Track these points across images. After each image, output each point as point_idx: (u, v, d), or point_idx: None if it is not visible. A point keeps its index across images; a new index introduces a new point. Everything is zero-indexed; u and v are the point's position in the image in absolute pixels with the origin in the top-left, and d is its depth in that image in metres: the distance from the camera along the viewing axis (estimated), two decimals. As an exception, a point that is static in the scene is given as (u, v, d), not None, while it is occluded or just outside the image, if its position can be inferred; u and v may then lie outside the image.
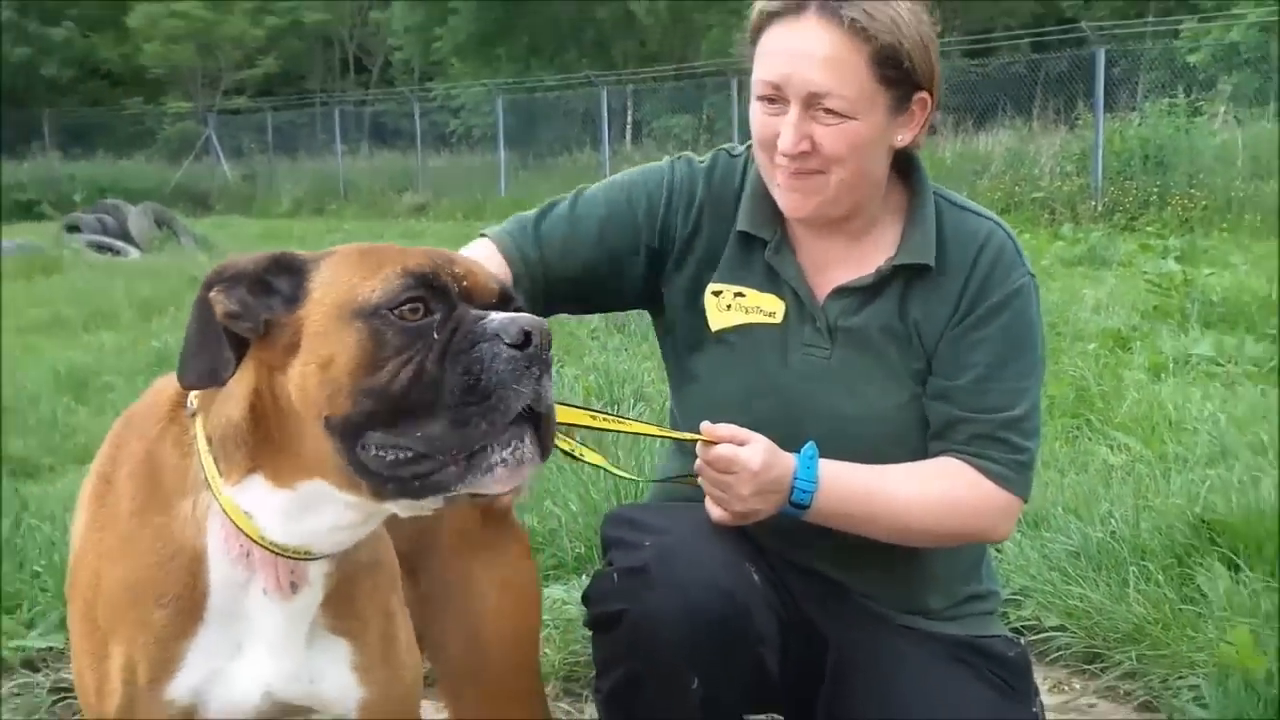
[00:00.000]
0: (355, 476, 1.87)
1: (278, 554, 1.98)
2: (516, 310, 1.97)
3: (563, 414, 2.47)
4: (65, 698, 3.96)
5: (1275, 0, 26.69)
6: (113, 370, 8.72)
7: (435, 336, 1.86)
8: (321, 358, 1.86)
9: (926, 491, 2.69)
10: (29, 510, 5.23)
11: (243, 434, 1.92)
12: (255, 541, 1.96)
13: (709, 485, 2.59)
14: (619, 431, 2.67)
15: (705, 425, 2.57)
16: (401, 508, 1.93)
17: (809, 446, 2.60)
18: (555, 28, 41.73)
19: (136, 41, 46.34)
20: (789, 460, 2.57)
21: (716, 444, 2.55)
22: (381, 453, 1.84)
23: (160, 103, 47.00)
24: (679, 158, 2.95)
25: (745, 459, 2.52)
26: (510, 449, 1.86)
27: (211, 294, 1.90)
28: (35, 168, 38.33)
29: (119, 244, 21.00)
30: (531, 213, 2.87)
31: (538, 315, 2.53)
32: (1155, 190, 19.71)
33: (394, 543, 2.34)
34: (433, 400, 1.83)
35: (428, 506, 1.93)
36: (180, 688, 2.05)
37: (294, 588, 2.03)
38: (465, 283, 1.94)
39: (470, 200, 28.19)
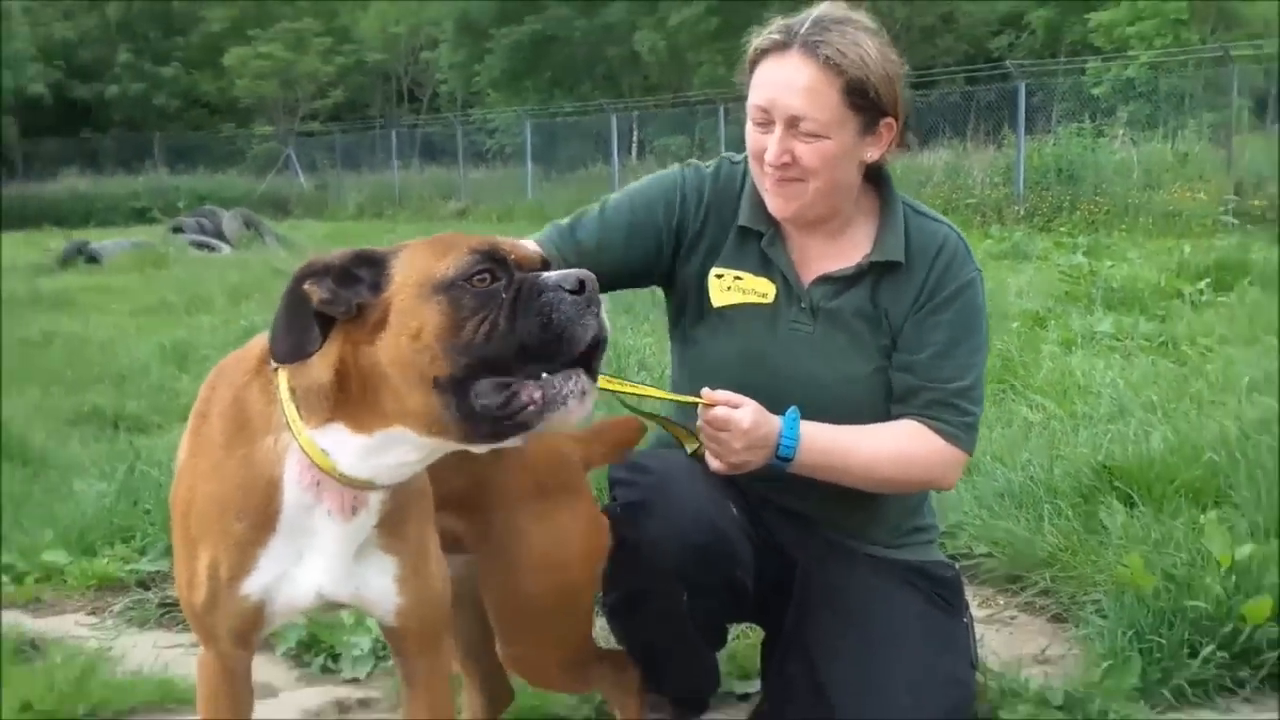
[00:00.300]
0: (460, 424, 1.91)
1: (345, 484, 2.01)
2: None
3: None
4: (170, 611, 3.95)
5: (1163, 44, 26.67)
6: (209, 345, 8.70)
7: (503, 296, 1.91)
8: (411, 329, 1.91)
9: (890, 448, 2.71)
10: (140, 459, 5.22)
11: (327, 391, 1.96)
12: (326, 473, 2.00)
13: (708, 441, 2.57)
14: (626, 393, 2.64)
15: (705, 391, 2.56)
16: (487, 446, 1.99)
17: (792, 410, 2.60)
18: (573, 64, 41.70)
19: (230, 77, 46.28)
20: (775, 421, 2.57)
21: (714, 406, 2.54)
22: (486, 400, 1.89)
23: (249, 127, 46.94)
24: (689, 165, 2.95)
25: (737, 419, 2.52)
26: (574, 382, 1.92)
27: (305, 286, 1.95)
28: (147, 181, 38.47)
29: (214, 242, 21.00)
30: (566, 220, 2.88)
31: None
32: (1067, 198, 19.73)
33: (454, 484, 2.38)
34: (514, 348, 1.89)
35: (513, 443, 1.98)
36: (253, 585, 2.11)
37: (354, 511, 2.07)
38: (515, 255, 1.98)
39: (503, 206, 28.11)
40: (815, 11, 2.69)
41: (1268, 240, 14.06)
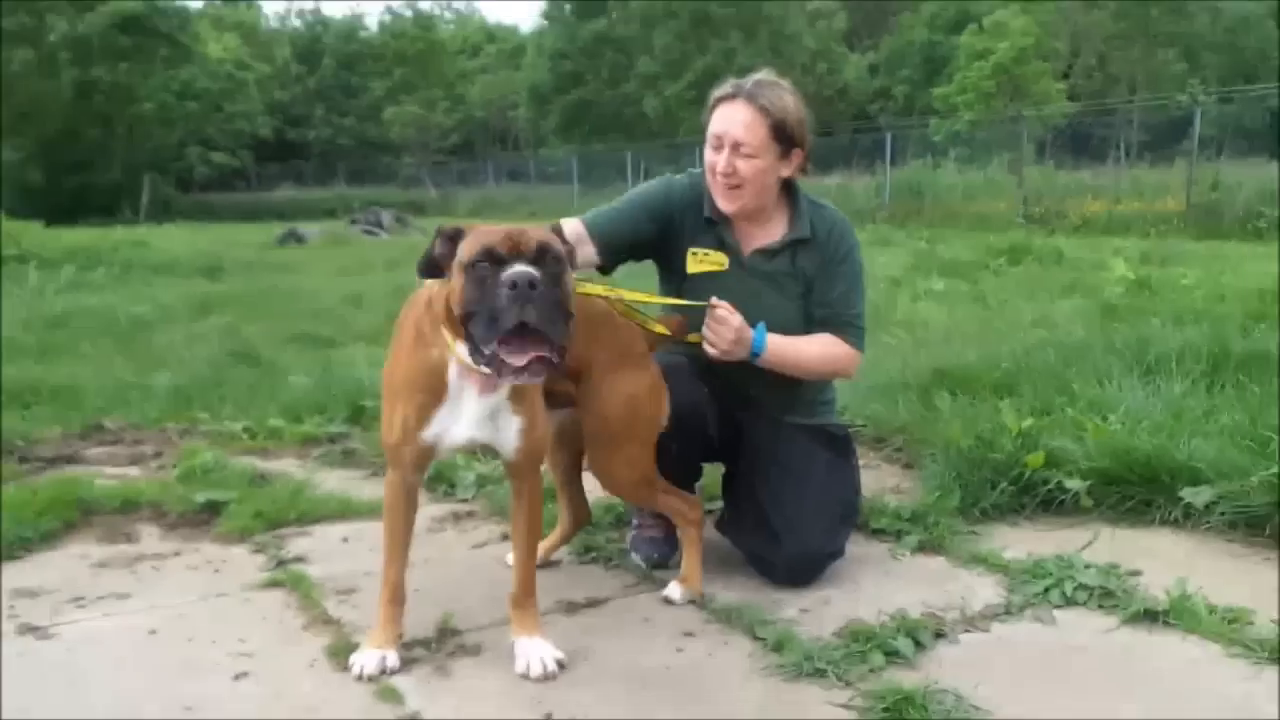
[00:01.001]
0: (473, 356, 2.01)
1: (483, 374, 2.05)
2: (548, 261, 1.99)
3: (607, 290, 2.58)
4: (351, 456, 3.95)
5: (979, 109, 26.43)
6: (372, 294, 8.67)
7: (488, 282, 1.93)
8: (454, 290, 1.99)
9: (819, 350, 2.73)
10: (330, 363, 5.23)
11: (446, 319, 2.06)
12: (472, 369, 2.06)
13: (710, 329, 2.57)
14: (644, 302, 2.67)
15: (713, 299, 2.57)
16: (492, 375, 2.02)
17: (761, 325, 2.62)
18: (603, 120, 41.43)
19: (387, 126, 46.08)
20: (751, 330, 2.59)
21: (718, 309, 2.56)
22: (475, 352, 1.99)
23: (399, 158, 46.79)
24: (670, 177, 2.91)
25: (735, 319, 2.55)
26: (510, 350, 1.92)
27: (436, 241, 2.06)
28: (335, 191, 38.34)
29: (377, 230, 20.88)
30: (600, 207, 2.85)
31: (606, 254, 2.71)
32: (915, 207, 19.64)
33: (568, 361, 2.40)
34: (486, 319, 1.92)
35: (501, 381, 2.05)
36: (428, 433, 2.17)
37: (493, 390, 2.13)
38: (518, 246, 1.98)
39: (558, 210, 27.90)
40: (756, 75, 2.71)
41: (1044, 234, 14.05)
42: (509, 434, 2.18)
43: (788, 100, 2.66)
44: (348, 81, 48.33)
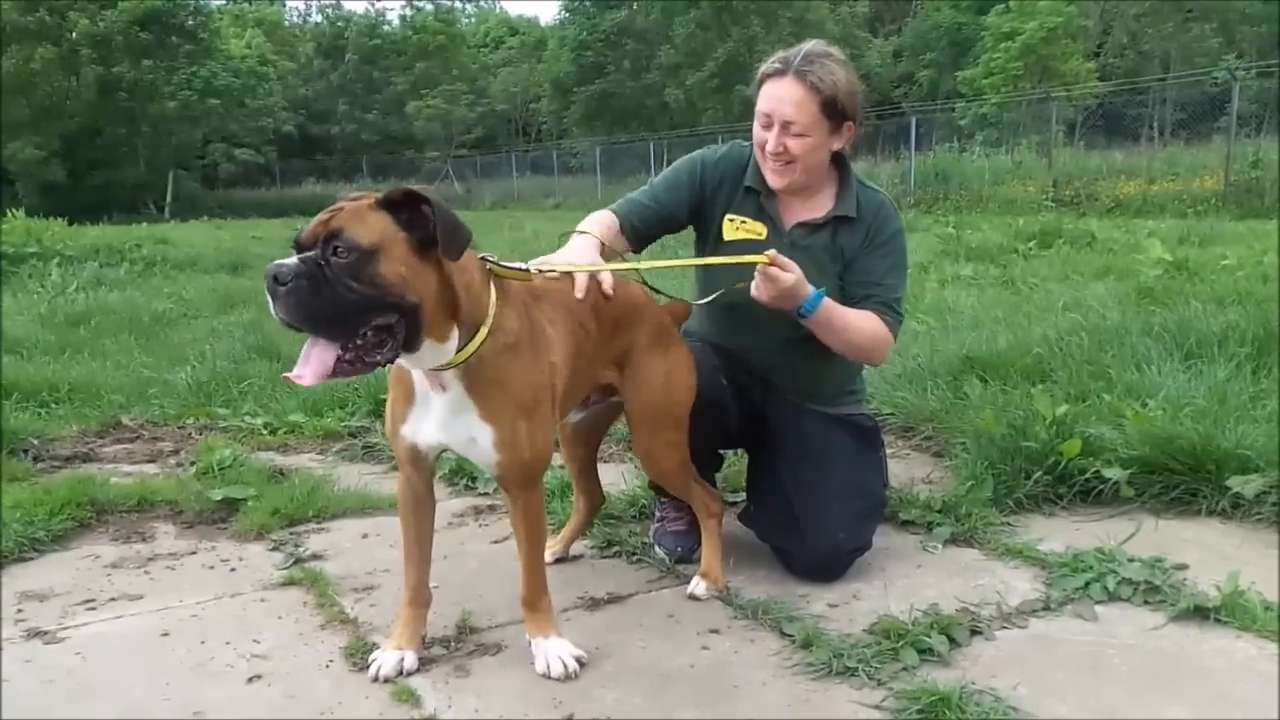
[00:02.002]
0: None
1: (435, 372, 1.97)
2: (338, 250, 1.76)
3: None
4: (370, 451, 3.92)
5: (1006, 91, 26.12)
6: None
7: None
8: None
9: (862, 324, 2.63)
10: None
11: None
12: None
13: (767, 276, 2.47)
14: (704, 265, 2.68)
15: (770, 252, 2.47)
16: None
17: (821, 289, 2.53)
18: (625, 111, 41.33)
19: (410, 121, 46.18)
20: (809, 288, 2.50)
21: (779, 257, 2.47)
22: None
23: (422, 153, 46.90)
24: (714, 147, 2.84)
25: (793, 268, 2.46)
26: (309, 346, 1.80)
27: None
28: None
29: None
30: (633, 194, 2.78)
31: (636, 239, 2.66)
32: (941, 192, 19.45)
33: (614, 346, 2.37)
34: None
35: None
36: (405, 431, 2.09)
37: (444, 387, 2.00)
38: (314, 233, 1.80)
39: (582, 201, 27.98)
40: (805, 48, 2.61)
41: (1073, 217, 13.84)
42: (483, 445, 2.02)
43: (838, 74, 2.57)
44: (370, 76, 48.34)
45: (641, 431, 2.48)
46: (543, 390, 2.06)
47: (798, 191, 2.72)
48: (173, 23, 35.75)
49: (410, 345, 1.85)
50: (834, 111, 2.58)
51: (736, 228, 2.73)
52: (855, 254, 2.71)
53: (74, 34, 35.34)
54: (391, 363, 1.88)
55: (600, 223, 2.63)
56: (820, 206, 2.74)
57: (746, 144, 2.79)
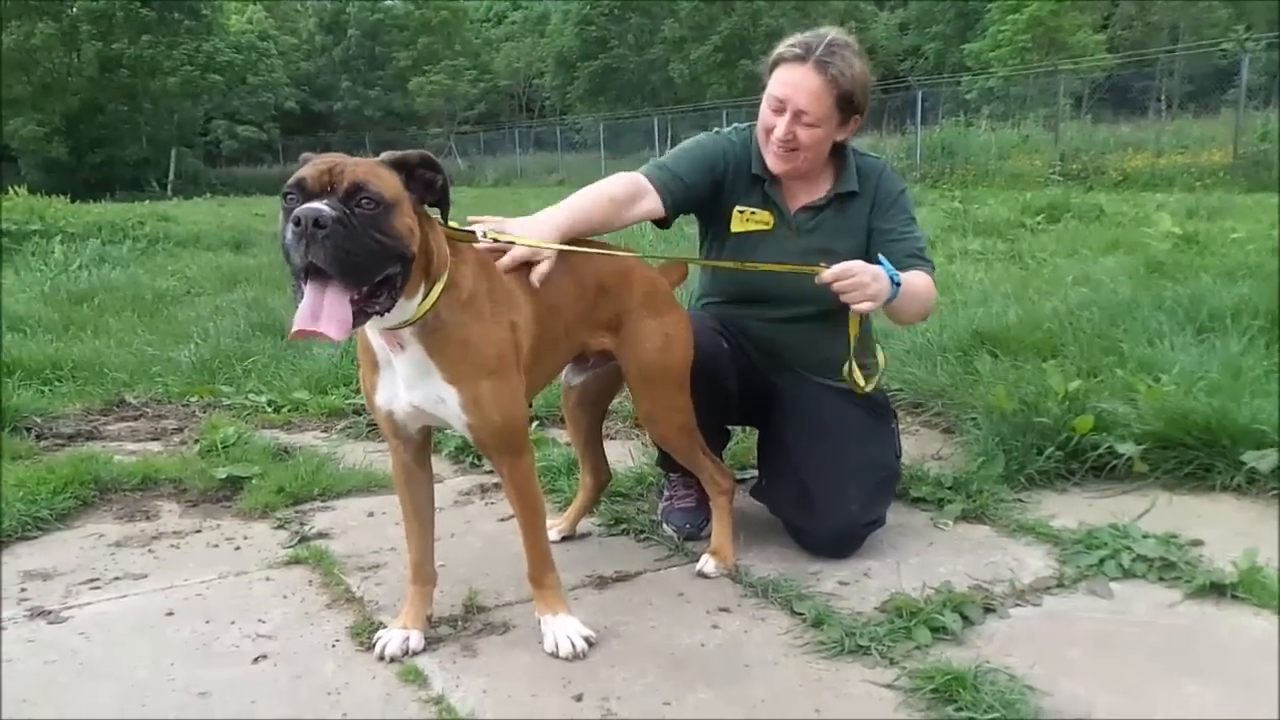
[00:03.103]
0: None
1: (391, 332, 1.94)
2: (361, 200, 1.74)
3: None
4: (375, 429, 3.86)
5: (1013, 64, 25.89)
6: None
7: (286, 217, 1.72)
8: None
9: (921, 282, 2.62)
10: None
11: None
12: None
13: (846, 292, 2.44)
14: (761, 269, 2.58)
15: (820, 264, 2.46)
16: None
17: (883, 259, 2.51)
18: (630, 86, 41.16)
19: (412, 96, 45.90)
20: (874, 265, 2.47)
21: (827, 271, 2.43)
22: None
23: (425, 129, 46.59)
24: (717, 131, 2.80)
25: (856, 266, 2.43)
26: (303, 295, 1.74)
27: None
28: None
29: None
30: (660, 159, 2.73)
31: (669, 218, 2.61)
32: (948, 166, 19.31)
33: (605, 315, 2.35)
34: (285, 257, 1.75)
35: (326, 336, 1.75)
36: (380, 401, 2.08)
37: (402, 347, 1.97)
38: (330, 181, 1.75)
39: (586, 177, 27.76)
40: (827, 36, 2.55)
41: (1081, 190, 13.75)
42: (450, 406, 2.00)
43: (857, 67, 2.54)
44: (372, 52, 48.01)
45: (641, 394, 2.44)
46: (506, 348, 2.03)
47: (799, 177, 2.70)
48: (173, -3, 35.54)
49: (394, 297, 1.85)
50: (848, 105, 2.56)
51: (746, 219, 2.71)
52: (870, 222, 2.70)
53: (74, 10, 35.16)
54: (389, 310, 1.84)
55: (626, 181, 2.58)
56: (820, 188, 2.72)
57: (745, 127, 2.76)
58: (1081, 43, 27.44)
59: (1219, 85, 19.57)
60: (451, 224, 2.05)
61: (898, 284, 2.47)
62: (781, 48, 2.58)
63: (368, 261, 1.76)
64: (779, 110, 2.56)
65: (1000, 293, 5.40)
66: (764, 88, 2.62)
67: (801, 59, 2.52)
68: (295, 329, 1.73)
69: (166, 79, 35.52)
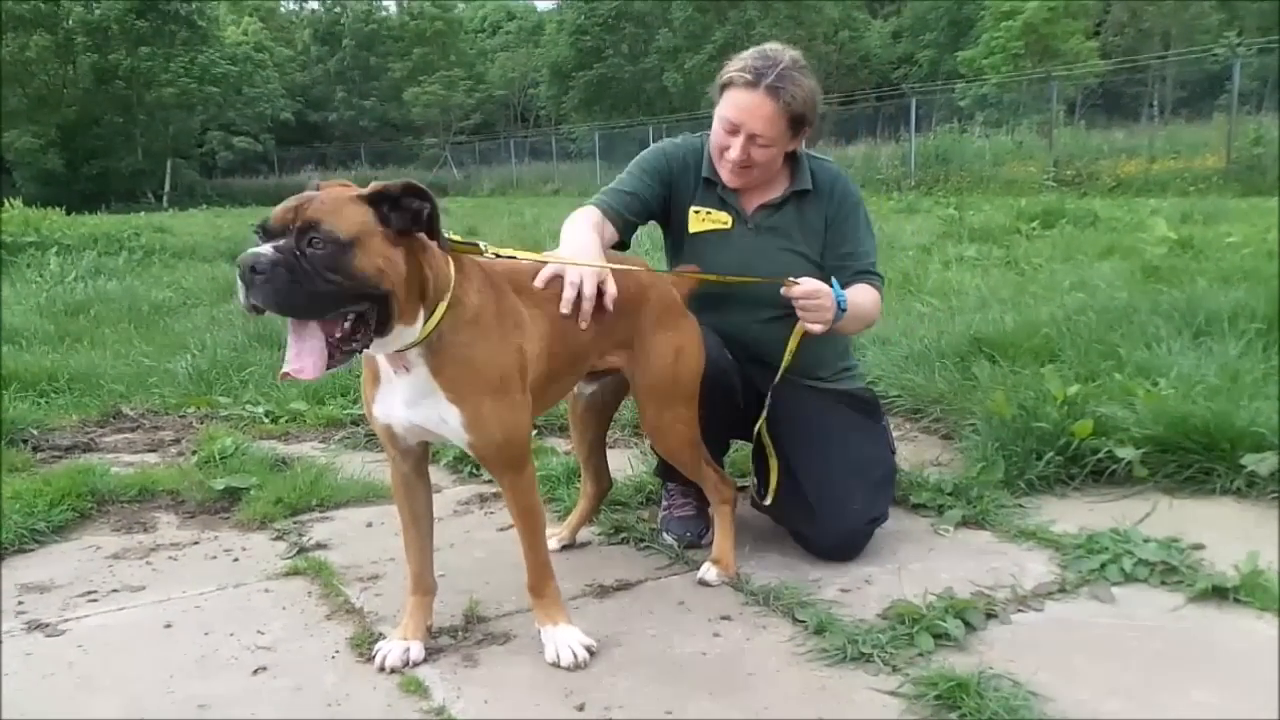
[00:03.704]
0: None
1: (398, 353, 1.93)
2: (313, 240, 1.73)
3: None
4: (373, 439, 3.85)
5: (1006, 71, 25.96)
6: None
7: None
8: None
9: (868, 297, 2.65)
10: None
11: None
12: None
13: (805, 310, 2.46)
14: (729, 281, 2.59)
15: (790, 279, 2.47)
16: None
17: (835, 281, 2.53)
18: (624, 95, 41.25)
19: (408, 107, 45.99)
20: (829, 288, 2.49)
21: (797, 285, 2.45)
22: None
23: (420, 139, 46.67)
24: (667, 142, 2.84)
25: (823, 290, 2.46)
26: (294, 340, 1.79)
27: None
28: (358, 174, 37.95)
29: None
30: (609, 186, 2.75)
31: (624, 231, 2.62)
32: (942, 173, 19.33)
33: (619, 332, 2.33)
34: None
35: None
36: (377, 413, 2.07)
37: (407, 369, 1.96)
38: (286, 221, 1.75)
39: (581, 187, 27.90)
40: (776, 60, 2.55)
41: (1075, 196, 13.78)
42: (452, 425, 1.99)
43: (806, 87, 2.56)
44: (367, 63, 48.11)
45: (649, 408, 2.43)
46: (510, 365, 2.02)
47: (753, 187, 2.73)
48: (169, 9, 35.50)
49: (381, 331, 1.84)
50: (799, 123, 2.60)
51: (703, 219, 2.73)
52: (825, 227, 2.73)
53: (70, 21, 35.18)
54: (366, 349, 1.85)
55: (585, 216, 2.59)
56: (776, 188, 2.75)
57: (698, 135, 2.80)
58: (1074, 49, 27.53)
59: (1211, 90, 19.61)
60: (453, 236, 2.03)
61: (844, 310, 2.50)
62: (731, 71, 2.59)
63: (317, 302, 1.74)
64: (733, 132, 2.59)
65: (997, 298, 5.41)
66: (714, 104, 2.64)
67: (753, 85, 2.53)
68: (280, 372, 1.79)
69: (162, 90, 35.55)
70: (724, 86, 2.60)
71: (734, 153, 2.59)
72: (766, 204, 2.72)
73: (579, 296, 2.20)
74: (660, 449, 2.57)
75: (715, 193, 2.73)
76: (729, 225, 2.71)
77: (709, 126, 2.71)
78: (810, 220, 2.72)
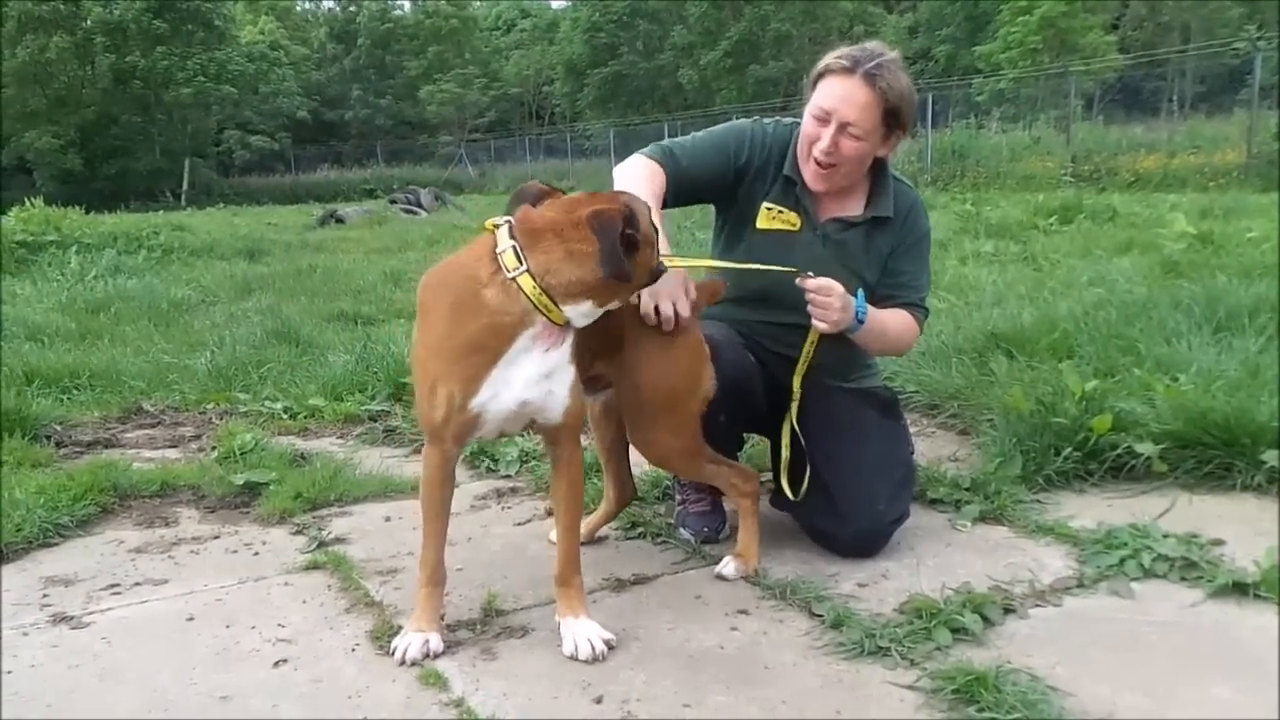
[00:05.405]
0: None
1: (560, 327, 2.03)
2: None
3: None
4: (390, 435, 3.91)
5: (1024, 66, 25.82)
6: (413, 271, 8.60)
7: None
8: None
9: (898, 323, 2.64)
10: (370, 340, 5.14)
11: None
12: (558, 325, 2.03)
13: (816, 307, 2.43)
14: (744, 269, 2.55)
15: (806, 272, 2.43)
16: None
17: (860, 292, 2.51)
18: (639, 92, 41.38)
19: (423, 105, 46.11)
20: (851, 297, 2.46)
21: (811, 279, 2.42)
22: None
23: (435, 137, 46.80)
24: (756, 120, 2.77)
25: (837, 289, 2.42)
26: None
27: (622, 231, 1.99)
28: (373, 172, 38.40)
29: (416, 209, 20.81)
30: (665, 142, 2.69)
31: (669, 204, 2.56)
32: (959, 169, 19.21)
33: (603, 343, 2.30)
34: None
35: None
36: (476, 401, 2.05)
37: (560, 344, 2.06)
38: None
39: (596, 185, 27.73)
40: (874, 50, 2.51)
41: (1093, 192, 13.70)
42: (559, 395, 2.08)
43: (903, 81, 2.50)
44: (383, 61, 48.25)
45: (633, 420, 2.40)
46: None
47: (834, 192, 2.68)
48: (186, 9, 35.69)
49: None
50: (894, 120, 2.53)
51: (773, 217, 2.68)
52: (889, 252, 2.69)
53: (88, 22, 35.41)
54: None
55: (638, 164, 2.57)
56: (854, 204, 2.70)
57: (789, 124, 2.72)
58: (1092, 44, 27.39)
59: (1231, 85, 19.49)
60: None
61: (861, 322, 2.48)
62: (828, 60, 2.53)
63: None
64: (824, 121, 2.51)
65: (1014, 294, 5.38)
66: (806, 102, 2.58)
67: (849, 71, 2.47)
68: None
69: (180, 90, 35.73)
70: (818, 78, 2.54)
71: (823, 143, 2.51)
72: (842, 218, 2.68)
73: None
74: (648, 460, 2.55)
75: (793, 192, 2.67)
76: (797, 227, 2.66)
77: (724, 122, 2.69)
78: (878, 246, 2.69)
